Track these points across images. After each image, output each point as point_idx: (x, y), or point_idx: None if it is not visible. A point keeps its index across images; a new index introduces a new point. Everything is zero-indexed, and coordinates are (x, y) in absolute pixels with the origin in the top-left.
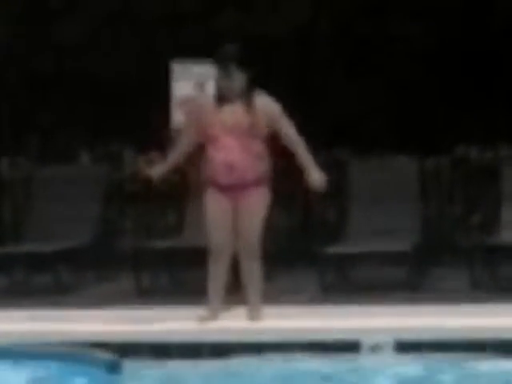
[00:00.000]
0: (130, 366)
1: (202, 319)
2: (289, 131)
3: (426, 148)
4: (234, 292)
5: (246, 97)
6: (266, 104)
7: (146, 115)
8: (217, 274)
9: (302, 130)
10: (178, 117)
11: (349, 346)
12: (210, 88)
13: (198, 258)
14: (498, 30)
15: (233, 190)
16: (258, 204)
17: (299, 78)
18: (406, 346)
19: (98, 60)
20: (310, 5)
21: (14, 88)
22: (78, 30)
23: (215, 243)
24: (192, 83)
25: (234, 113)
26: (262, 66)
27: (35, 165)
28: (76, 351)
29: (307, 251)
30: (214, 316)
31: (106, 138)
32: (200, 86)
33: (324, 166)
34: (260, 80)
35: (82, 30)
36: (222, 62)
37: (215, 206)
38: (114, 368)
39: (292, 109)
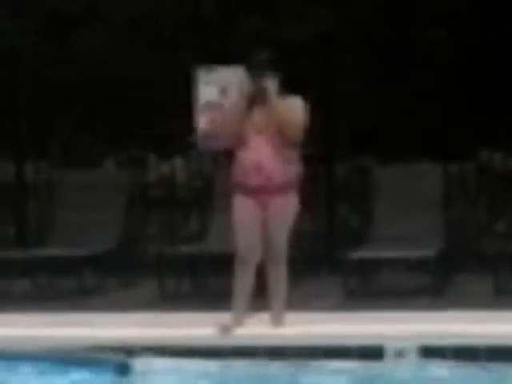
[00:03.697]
0: (139, 367)
1: (225, 329)
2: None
3: (451, 154)
4: (258, 297)
5: (276, 100)
6: (292, 107)
7: (170, 121)
8: (243, 280)
9: (327, 136)
10: (202, 122)
11: (373, 352)
12: (234, 93)
13: (221, 263)
14: None
15: (261, 193)
16: (286, 211)
17: (323, 85)
18: (429, 352)
19: (121, 66)
20: (334, 11)
21: (37, 94)
22: (99, 37)
23: (242, 249)
24: (216, 89)
25: (265, 115)
26: (285, 74)
27: (59, 170)
28: (84, 353)
29: (331, 257)
30: (238, 322)
31: (129, 143)
32: (224, 91)
33: (348, 171)
34: (285, 87)
35: (103, 37)
36: (255, 67)
37: (244, 212)
38: (122, 369)
39: (316, 116)
